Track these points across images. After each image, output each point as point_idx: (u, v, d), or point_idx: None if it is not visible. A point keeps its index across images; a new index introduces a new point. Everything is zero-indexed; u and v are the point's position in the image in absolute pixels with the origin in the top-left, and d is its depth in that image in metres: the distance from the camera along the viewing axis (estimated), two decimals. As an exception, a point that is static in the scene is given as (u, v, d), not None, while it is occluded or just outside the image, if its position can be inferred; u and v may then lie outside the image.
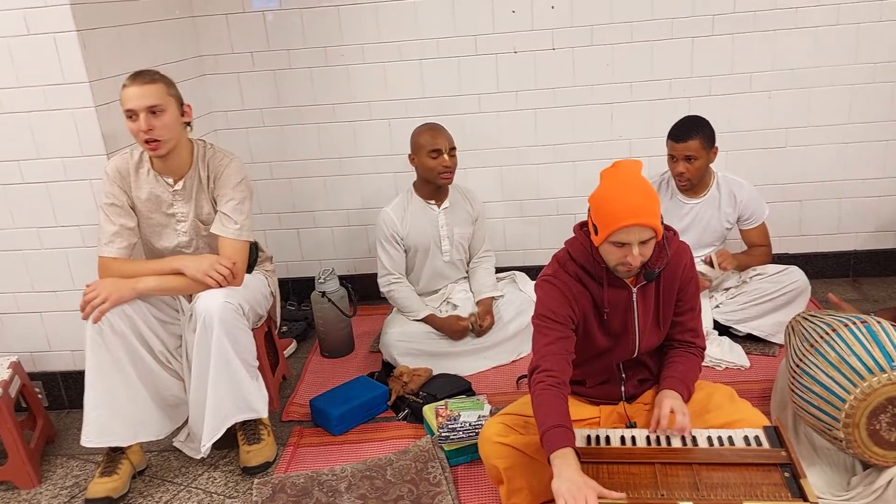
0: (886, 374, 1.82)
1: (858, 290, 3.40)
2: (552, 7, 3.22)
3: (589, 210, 1.92)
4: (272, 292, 2.67)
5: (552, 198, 3.50)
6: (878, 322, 1.96)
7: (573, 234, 2.04)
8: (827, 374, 1.92)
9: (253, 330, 2.45)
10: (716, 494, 1.64)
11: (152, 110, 2.22)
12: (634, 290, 1.98)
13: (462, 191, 3.08)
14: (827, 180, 3.39)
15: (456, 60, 3.33)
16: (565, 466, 1.67)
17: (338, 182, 3.54)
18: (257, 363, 2.41)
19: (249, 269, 2.52)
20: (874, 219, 3.44)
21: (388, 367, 2.88)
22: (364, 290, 3.47)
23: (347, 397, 2.60)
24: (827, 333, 1.99)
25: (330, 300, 3.04)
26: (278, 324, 2.85)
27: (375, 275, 3.05)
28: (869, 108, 3.26)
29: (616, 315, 2.00)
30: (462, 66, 3.33)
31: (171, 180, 2.39)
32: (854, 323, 1.98)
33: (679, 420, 1.88)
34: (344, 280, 3.24)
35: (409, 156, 2.93)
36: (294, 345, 3.26)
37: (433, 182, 2.91)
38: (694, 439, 1.86)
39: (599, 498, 1.62)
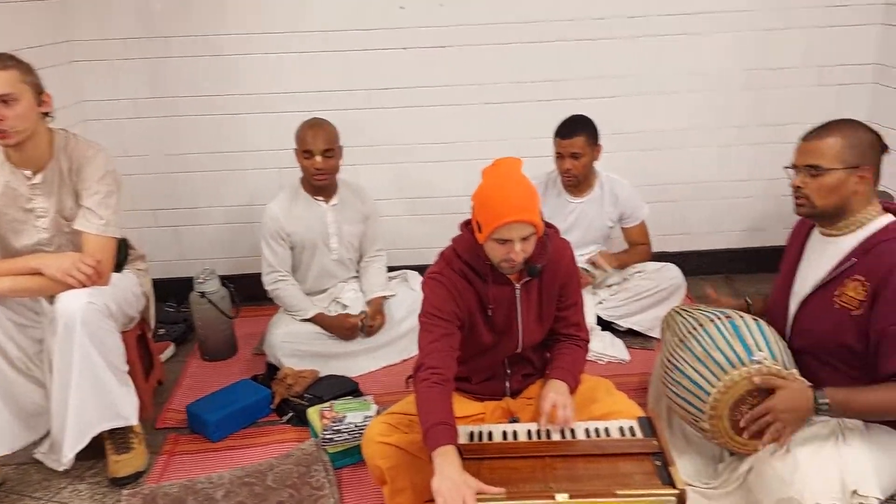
0: (746, 368, 1.90)
1: (731, 287, 3.58)
2: (441, 4, 3.21)
3: (472, 208, 1.92)
4: (144, 292, 2.53)
5: (445, 196, 3.50)
6: (742, 317, 2.06)
7: (459, 232, 2.04)
8: (694, 369, 1.99)
9: (123, 332, 2.31)
10: (591, 485, 1.67)
11: (3, 99, 2.05)
12: (518, 286, 2.00)
13: (352, 188, 3.02)
14: (703, 181, 3.55)
15: (345, 54, 3.27)
16: (446, 464, 1.67)
17: (220, 177, 3.41)
18: (127, 367, 2.27)
19: (118, 268, 2.38)
20: (746, 218, 3.63)
21: (272, 370, 2.79)
22: (249, 291, 3.35)
23: (227, 401, 2.50)
24: (695, 329, 2.06)
25: (210, 301, 2.92)
26: (153, 326, 2.71)
27: (260, 274, 2.95)
28: (742, 113, 3.44)
29: (500, 311, 2.01)
30: (352, 61, 3.28)
31: (28, 173, 2.22)
32: (720, 318, 2.06)
33: (560, 414, 1.90)
34: (227, 280, 3.12)
35: (295, 149, 2.85)
36: (172, 348, 3.10)
37: (309, 181, 2.85)
38: (572, 432, 1.89)
39: (479, 494, 1.63)
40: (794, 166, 1.99)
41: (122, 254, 2.41)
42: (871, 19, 3.27)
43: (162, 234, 3.48)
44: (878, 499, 1.85)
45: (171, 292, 3.47)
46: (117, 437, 2.27)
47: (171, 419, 2.58)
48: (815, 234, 2.09)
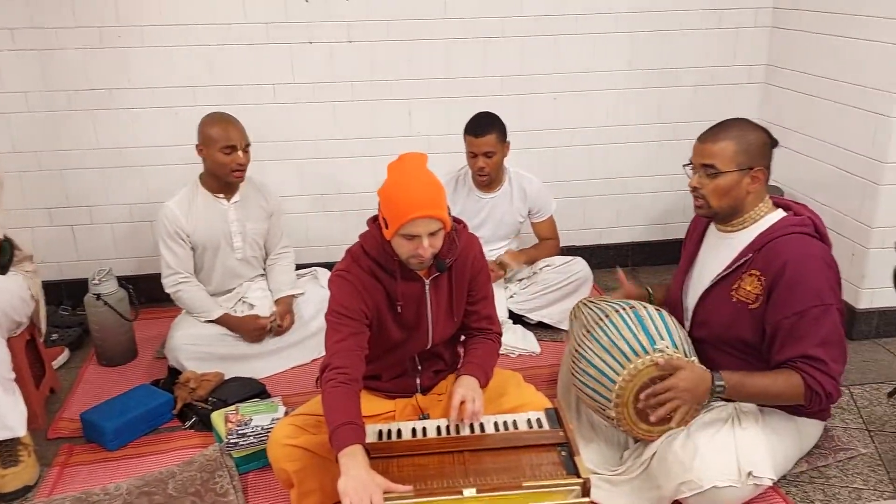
0: (649, 356, 1.97)
1: (634, 279, 3.69)
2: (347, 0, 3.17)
3: (379, 204, 1.90)
4: (33, 295, 2.38)
5: (354, 192, 3.46)
6: (645, 307, 2.13)
7: (367, 228, 2.02)
8: (600, 358, 2.04)
9: (9, 338, 2.17)
10: (499, 478, 1.68)
11: None
12: (427, 281, 1.99)
13: (255, 184, 2.93)
14: (607, 178, 3.65)
15: (247, 48, 3.18)
16: (352, 464, 1.64)
17: (118, 174, 3.26)
18: (13, 375, 2.14)
19: (3, 270, 2.23)
20: (648, 213, 3.75)
21: (174, 374, 2.68)
22: (151, 292, 3.22)
23: (125, 408, 2.39)
24: (601, 319, 2.12)
25: (106, 303, 2.78)
26: (44, 331, 2.55)
27: (160, 276, 2.83)
28: (642, 112, 3.55)
29: (410, 307, 2.00)
30: (254, 54, 3.19)
31: None
32: (624, 309, 2.12)
33: (469, 409, 1.90)
34: (127, 281, 2.99)
35: (198, 146, 2.74)
36: (66, 354, 2.94)
37: (223, 178, 2.75)
38: (482, 426, 1.90)
39: (386, 493, 1.61)
40: (692, 164, 2.07)
41: (7, 255, 2.26)
42: (760, 22, 3.44)
43: (57, 234, 3.29)
44: (771, 479, 1.95)
45: (68, 294, 3.30)
46: (3, 450, 2.13)
47: (64, 428, 2.44)
48: (712, 230, 2.19)
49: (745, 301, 2.02)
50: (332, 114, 3.33)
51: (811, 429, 2.15)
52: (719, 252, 2.12)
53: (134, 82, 3.14)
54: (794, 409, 2.08)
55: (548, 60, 3.40)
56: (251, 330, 2.79)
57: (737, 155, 1.98)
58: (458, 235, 2.02)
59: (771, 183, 3.34)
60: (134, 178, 3.28)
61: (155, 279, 3.27)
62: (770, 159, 2.04)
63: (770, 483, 1.96)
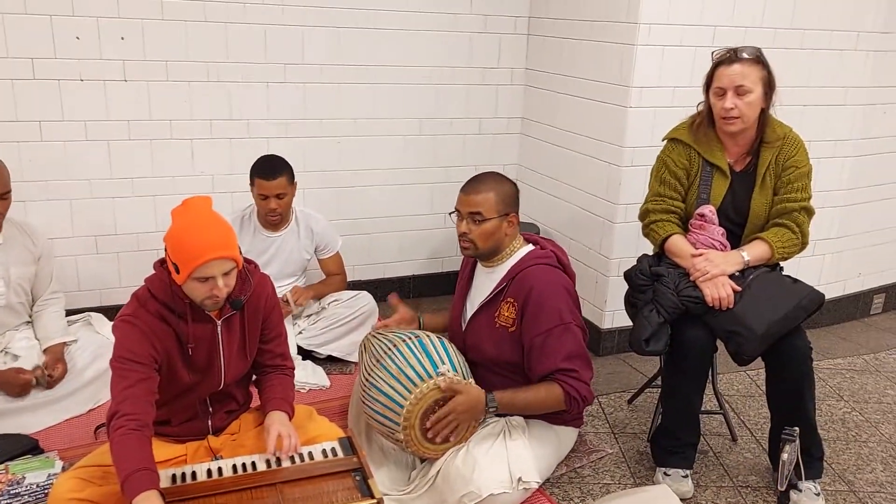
0: (433, 380, 2.18)
1: (418, 308, 3.94)
2: (122, 38, 3.10)
3: (166, 250, 1.91)
4: None
5: (132, 233, 3.34)
6: (428, 336, 2.34)
7: (153, 271, 2.01)
8: (389, 385, 2.21)
9: None
10: (298, 507, 1.78)
11: None
12: (219, 322, 2.03)
13: (19, 225, 2.74)
14: (389, 216, 3.87)
15: (10, 83, 2.98)
16: (148, 510, 1.64)
17: None
18: None
19: None
20: (427, 247, 4.03)
21: (-75, 436, 2.42)
22: None
23: None
24: (389, 350, 2.30)
25: None
26: None
27: None
28: (418, 156, 3.84)
29: (201, 349, 2.02)
30: (18, 89, 3.00)
31: None
32: (410, 339, 2.32)
33: (286, 444, 1.97)
34: None
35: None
36: None
37: None
38: (278, 460, 1.97)
39: (186, 534, 1.63)
40: (458, 213, 2.34)
41: None
42: (516, 81, 3.89)
43: None
44: (537, 482, 2.24)
45: None
46: None
47: None
48: (479, 267, 2.48)
49: (505, 325, 2.32)
50: (108, 153, 3.22)
51: (568, 435, 2.48)
52: (483, 284, 2.43)
53: None
54: (554, 419, 2.40)
55: (331, 106, 3.56)
56: (14, 386, 2.59)
57: (497, 204, 2.30)
58: (250, 274, 2.09)
59: (530, 221, 3.77)
60: None
61: None
62: (519, 206, 2.38)
63: (536, 486, 2.25)
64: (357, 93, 3.60)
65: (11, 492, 2.06)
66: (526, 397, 2.25)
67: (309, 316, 3.27)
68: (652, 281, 2.38)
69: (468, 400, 2.18)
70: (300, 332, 3.22)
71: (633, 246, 3.22)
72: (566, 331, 2.24)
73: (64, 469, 2.14)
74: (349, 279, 3.45)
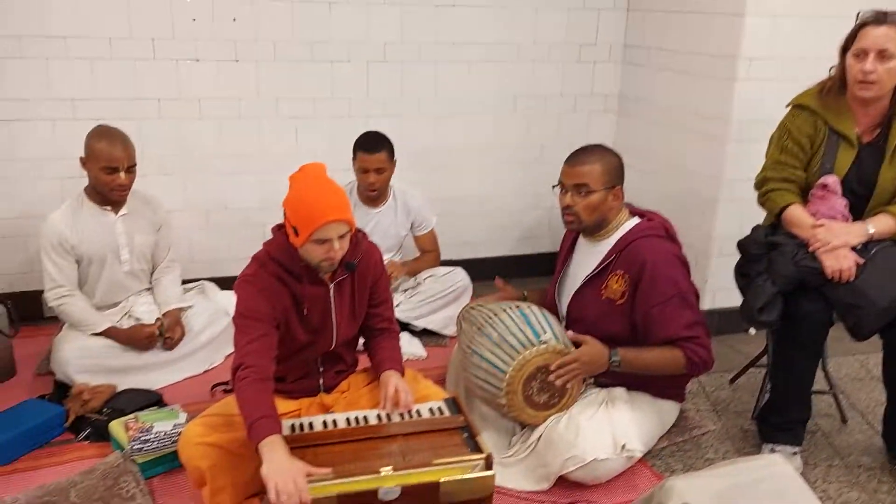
0: (535, 348, 2.21)
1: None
2: (234, 19, 3.24)
3: (285, 214, 2.00)
4: None
5: (240, 208, 3.50)
6: (529, 306, 2.37)
7: (271, 236, 2.11)
8: (491, 352, 2.26)
9: None
10: (411, 458, 1.84)
11: None
12: (331, 285, 2.11)
13: (143, 197, 2.92)
14: (481, 195, 3.91)
15: (133, 63, 3.17)
16: (273, 452, 1.74)
17: (-12, 187, 3.12)
18: None
19: None
20: (518, 228, 4.05)
21: (62, 388, 2.61)
22: (24, 310, 3.09)
23: (13, 422, 2.31)
24: (491, 318, 2.34)
25: (-16, 319, 2.67)
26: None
27: (36, 292, 2.75)
28: (512, 135, 3.85)
29: (315, 310, 2.11)
30: (139, 69, 3.18)
31: None
32: (511, 308, 2.36)
33: (403, 398, 2.05)
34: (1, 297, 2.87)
35: (82, 159, 2.71)
36: (-65, 374, 2.77)
37: (105, 195, 2.74)
38: (388, 416, 2.04)
39: (307, 475, 1.72)
40: (562, 185, 2.34)
41: None
42: (614, 57, 3.86)
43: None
44: (640, 451, 2.24)
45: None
46: None
47: (-57, 447, 2.32)
48: (581, 241, 2.49)
49: (613, 298, 2.31)
50: (219, 131, 3.37)
51: (671, 409, 2.47)
52: (587, 258, 2.42)
53: (8, 93, 3.04)
54: (657, 392, 2.39)
55: (428, 85, 3.62)
56: (139, 339, 2.76)
57: (603, 175, 2.29)
58: (359, 241, 2.17)
59: (626, 201, 3.74)
60: (7, 193, 3.15)
61: (29, 297, 3.18)
62: (624, 179, 2.36)
63: (640, 455, 2.25)
64: (453, 71, 3.64)
65: (142, 438, 2.21)
66: (649, 357, 2.24)
67: (405, 290, 3.35)
68: (767, 250, 2.33)
69: (592, 351, 2.20)
70: (397, 305, 3.29)
71: (737, 225, 3.13)
72: (683, 300, 2.23)
73: (188, 420, 2.27)
74: (441, 259, 3.50)
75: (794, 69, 2.95)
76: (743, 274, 2.44)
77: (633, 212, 2.44)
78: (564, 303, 2.49)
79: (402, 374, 2.18)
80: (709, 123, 3.20)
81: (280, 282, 2.06)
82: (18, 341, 2.90)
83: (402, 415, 2.05)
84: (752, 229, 2.47)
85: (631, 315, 2.29)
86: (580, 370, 2.21)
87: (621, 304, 2.30)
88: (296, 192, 2.00)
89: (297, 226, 1.96)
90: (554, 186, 2.40)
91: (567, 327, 2.42)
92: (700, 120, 3.26)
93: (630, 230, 2.34)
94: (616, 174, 2.32)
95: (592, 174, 2.28)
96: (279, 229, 2.11)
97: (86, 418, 2.43)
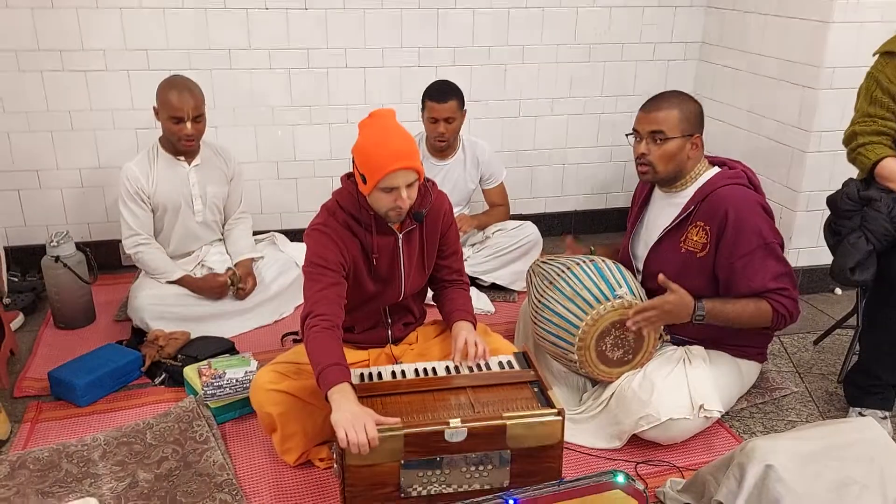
0: (610, 303, 2.13)
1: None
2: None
3: (353, 161, 1.97)
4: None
5: (308, 160, 3.50)
6: (603, 260, 2.29)
7: (341, 185, 2.08)
8: (563, 306, 2.19)
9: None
10: (481, 411, 1.81)
11: None
12: (400, 235, 2.07)
13: (215, 148, 2.94)
14: (552, 148, 3.80)
15: (201, 12, 3.16)
16: (343, 400, 1.73)
17: (69, 138, 3.19)
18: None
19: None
20: (590, 182, 3.93)
21: (139, 334, 2.68)
22: (102, 259, 3.18)
23: (94, 365, 2.38)
24: (563, 272, 2.26)
25: (66, 265, 2.74)
26: (5, 291, 2.50)
27: (114, 242, 2.81)
28: (585, 85, 3.71)
29: (384, 260, 2.08)
30: (211, 19, 3.17)
31: None
32: (584, 262, 2.28)
33: (472, 351, 2.01)
34: (77, 248, 2.94)
35: (154, 108, 2.73)
36: (21, 318, 2.88)
37: (176, 145, 2.76)
38: (457, 368, 2.01)
39: (376, 424, 1.70)
40: (636, 133, 2.21)
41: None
42: (697, 1, 3.65)
43: (1, 199, 3.20)
44: (719, 412, 2.14)
45: (16, 261, 3.22)
46: (-29, 408, 2.11)
47: (30, 388, 2.41)
48: (657, 192, 2.36)
49: (693, 250, 2.19)
50: (287, 81, 3.35)
51: (751, 369, 2.35)
52: (665, 210, 2.30)
53: (85, 44, 3.08)
54: (737, 352, 2.29)
55: (498, 33, 3.51)
56: (212, 287, 2.81)
57: (681, 122, 2.15)
58: (429, 190, 2.12)
59: (706, 153, 3.57)
60: (86, 143, 3.22)
61: (107, 246, 3.26)
62: (703, 127, 2.22)
63: (718, 416, 2.15)
64: (525, 19, 3.51)
65: (215, 384, 2.25)
66: (734, 308, 2.12)
67: (474, 245, 3.30)
68: (861, 206, 2.17)
69: (678, 299, 2.08)
70: (466, 259, 3.24)
71: (826, 178, 2.97)
72: (769, 251, 2.10)
73: (259, 367, 2.30)
74: (511, 212, 3.42)
75: (894, 11, 2.72)
76: (834, 231, 2.29)
77: (713, 161, 2.30)
78: (640, 258, 2.38)
79: (475, 325, 2.14)
80: (799, 70, 3.00)
81: (349, 231, 2.04)
82: (98, 288, 2.99)
83: (471, 367, 2.02)
84: (844, 183, 2.31)
85: (713, 268, 2.17)
86: (659, 318, 2.10)
87: (702, 257, 2.18)
88: (364, 138, 1.95)
89: (365, 173, 1.92)
90: (628, 135, 2.28)
91: (643, 283, 2.32)
92: (789, 67, 3.06)
93: (710, 179, 2.21)
94: (695, 121, 2.18)
95: (669, 120, 2.15)
96: (348, 178, 2.08)
97: (161, 363, 2.49)
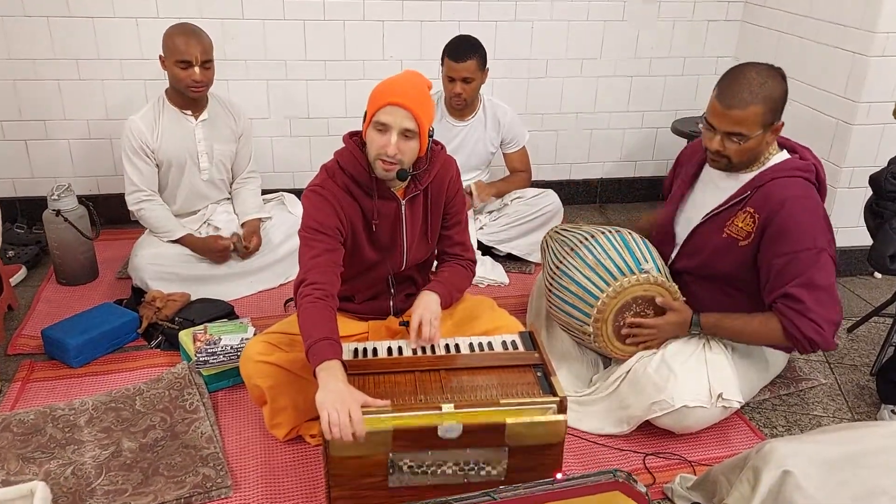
0: (635, 276, 2.01)
1: (603, 215, 3.71)
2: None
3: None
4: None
5: (322, 117, 3.36)
6: (630, 232, 2.15)
7: (343, 145, 1.95)
8: (584, 275, 2.06)
9: (-36, 252, 2.07)
10: (476, 395, 1.69)
11: None
12: (403, 201, 1.95)
13: (224, 103, 2.81)
14: (579, 111, 3.61)
15: (215, -41, 3.02)
16: (330, 378, 1.62)
17: (76, 87, 3.09)
18: (-30, 289, 2.05)
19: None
20: (618, 149, 3.74)
21: (138, 294, 2.61)
22: (110, 213, 3.12)
23: (88, 326, 2.32)
24: (586, 239, 2.13)
25: (66, 219, 2.67)
26: (-1, 246, 2.45)
27: (122, 195, 2.71)
28: (616, 45, 3.49)
29: (384, 227, 1.96)
30: (222, -34, 3.04)
31: None
32: (610, 232, 2.14)
33: (425, 332, 1.86)
34: (85, 200, 2.87)
35: (161, 57, 2.61)
36: (23, 272, 2.83)
37: (183, 93, 2.64)
38: (457, 346, 1.89)
39: (364, 407, 1.60)
40: (711, 126, 1.94)
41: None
42: (741, -42, 3.40)
43: (9, 149, 3.13)
44: (739, 402, 2.00)
45: (21, 212, 3.17)
46: (-40, 364, 2.06)
47: (24, 345, 2.37)
48: (708, 169, 2.10)
49: (736, 237, 1.99)
50: (301, 33, 3.20)
51: (777, 358, 2.19)
52: (717, 188, 2.07)
53: (91, -12, 2.97)
54: (762, 340, 2.12)
55: (526, -12, 3.31)
56: (213, 250, 2.72)
57: (765, 116, 1.89)
58: (436, 156, 1.98)
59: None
60: (93, 93, 3.12)
61: (114, 199, 3.18)
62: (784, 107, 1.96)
63: (738, 406, 2.01)
64: (556, -28, 3.31)
65: (208, 350, 2.16)
66: (735, 325, 1.98)
67: (491, 212, 3.15)
68: (906, 188, 1.98)
69: (678, 320, 2.01)
70: (481, 228, 3.11)
71: (872, 152, 2.75)
72: (816, 257, 1.87)
73: (255, 334, 2.21)
74: (533, 178, 3.26)
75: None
76: (875, 213, 2.11)
77: (783, 144, 2.07)
78: (682, 234, 2.17)
79: (447, 299, 1.97)
80: (848, 35, 2.76)
81: (349, 194, 1.92)
82: (102, 244, 2.92)
83: (471, 346, 1.90)
84: (889, 162, 2.11)
85: (753, 261, 1.98)
86: (659, 336, 2.03)
87: (744, 246, 1.97)
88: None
89: (367, 110, 1.83)
90: (699, 123, 2.05)
91: (676, 261, 2.15)
92: (838, 31, 2.82)
93: (774, 166, 1.97)
94: (779, 108, 1.92)
95: (751, 119, 1.87)
96: (350, 137, 1.95)
97: (158, 326, 2.42)
